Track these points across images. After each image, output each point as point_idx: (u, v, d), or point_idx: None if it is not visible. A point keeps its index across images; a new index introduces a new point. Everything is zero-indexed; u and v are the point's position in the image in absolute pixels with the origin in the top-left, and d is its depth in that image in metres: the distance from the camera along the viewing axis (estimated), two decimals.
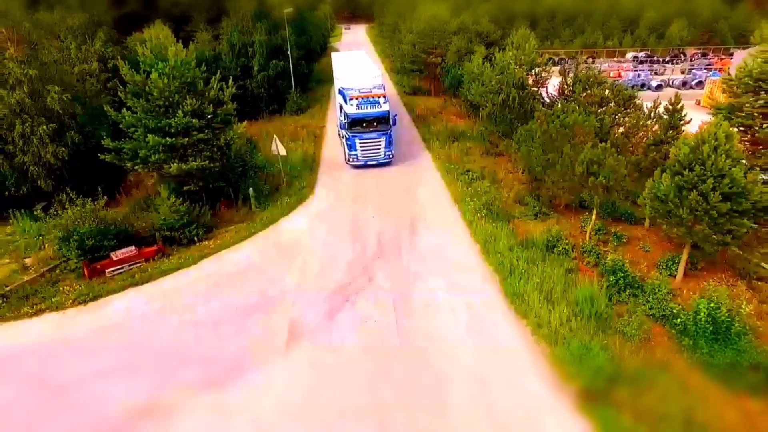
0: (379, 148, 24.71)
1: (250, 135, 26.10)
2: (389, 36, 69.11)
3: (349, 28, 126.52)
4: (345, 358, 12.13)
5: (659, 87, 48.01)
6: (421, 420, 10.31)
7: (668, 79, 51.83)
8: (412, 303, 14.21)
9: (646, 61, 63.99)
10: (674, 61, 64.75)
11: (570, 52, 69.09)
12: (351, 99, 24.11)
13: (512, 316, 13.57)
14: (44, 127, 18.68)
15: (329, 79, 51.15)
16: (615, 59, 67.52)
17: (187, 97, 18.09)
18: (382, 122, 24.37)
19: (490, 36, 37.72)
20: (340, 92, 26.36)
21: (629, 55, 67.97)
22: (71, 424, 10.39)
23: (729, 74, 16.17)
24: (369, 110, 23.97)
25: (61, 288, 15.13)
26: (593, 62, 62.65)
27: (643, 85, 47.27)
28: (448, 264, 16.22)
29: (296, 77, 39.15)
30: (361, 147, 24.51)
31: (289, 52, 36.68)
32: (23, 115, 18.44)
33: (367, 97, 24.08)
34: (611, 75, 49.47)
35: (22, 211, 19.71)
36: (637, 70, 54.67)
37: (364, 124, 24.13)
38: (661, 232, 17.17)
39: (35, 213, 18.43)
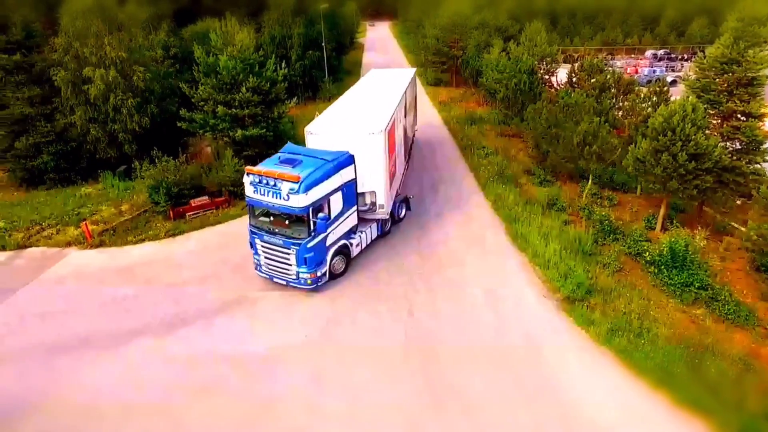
0: (288, 265, 14.29)
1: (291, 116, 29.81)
2: (413, 31, 72.44)
3: (373, 25, 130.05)
4: (380, 272, 15.67)
5: (674, 82, 50.07)
6: (439, 305, 13.84)
7: (684, 75, 53.78)
8: (431, 239, 17.73)
9: (664, 59, 65.87)
10: (693, 59, 66.50)
11: (589, 49, 71.21)
12: (248, 174, 14.18)
13: (514, 249, 16.93)
14: (131, 100, 22.68)
15: (357, 71, 54.86)
16: (634, 56, 69.45)
17: (250, 76, 21.80)
18: (296, 223, 13.98)
19: (509, 31, 40.77)
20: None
21: (648, 53, 69.72)
22: (180, 309, 14.12)
23: (701, 57, 19.09)
24: (268, 199, 13.85)
25: (153, 225, 19.02)
26: (612, 59, 64.94)
27: (658, 81, 49.54)
28: (462, 213, 19.68)
29: (328, 67, 42.85)
30: (263, 252, 14.75)
31: (324, 44, 40.39)
32: (116, 91, 22.44)
33: (270, 176, 13.65)
34: (628, 71, 51.93)
35: (108, 171, 23.91)
36: (653, 67, 56.81)
37: (270, 218, 14.49)
38: (651, 199, 20.19)
39: (138, 168, 22.21)
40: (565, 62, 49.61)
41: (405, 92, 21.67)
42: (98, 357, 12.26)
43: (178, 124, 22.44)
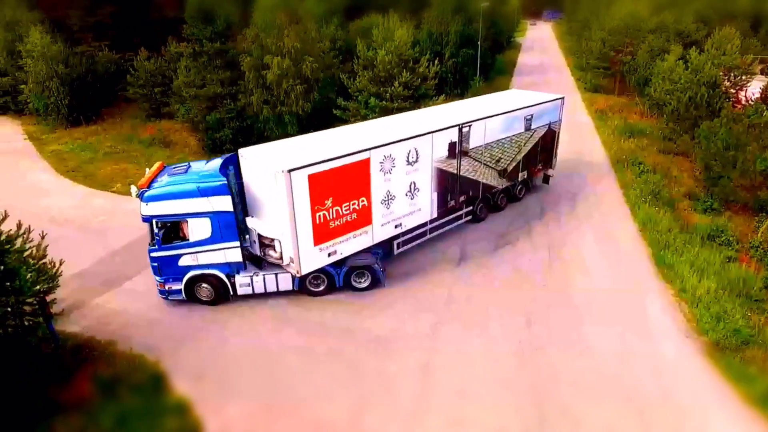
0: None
1: None
2: (577, 33, 67.85)
3: (535, 24, 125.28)
4: (501, 276, 15.48)
5: None
6: (560, 322, 13.21)
7: None
8: (563, 255, 16.81)
9: None
10: None
11: None
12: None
13: (657, 279, 15.28)
14: (299, 87, 25.42)
15: (510, 71, 53.56)
16: None
17: (403, 71, 22.90)
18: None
19: (692, 35, 35.96)
20: None
21: None
22: None
23: None
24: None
25: None
26: None
27: None
28: (602, 231, 18.32)
29: (481, 66, 42.55)
30: None
31: (479, 43, 40.22)
32: (287, 77, 25.37)
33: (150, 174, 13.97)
34: None
35: None
36: None
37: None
38: None
39: None
40: (763, 74, 42.11)
41: (470, 124, 16.45)
42: (241, 310, 14.21)
43: (334, 111, 24.55)
